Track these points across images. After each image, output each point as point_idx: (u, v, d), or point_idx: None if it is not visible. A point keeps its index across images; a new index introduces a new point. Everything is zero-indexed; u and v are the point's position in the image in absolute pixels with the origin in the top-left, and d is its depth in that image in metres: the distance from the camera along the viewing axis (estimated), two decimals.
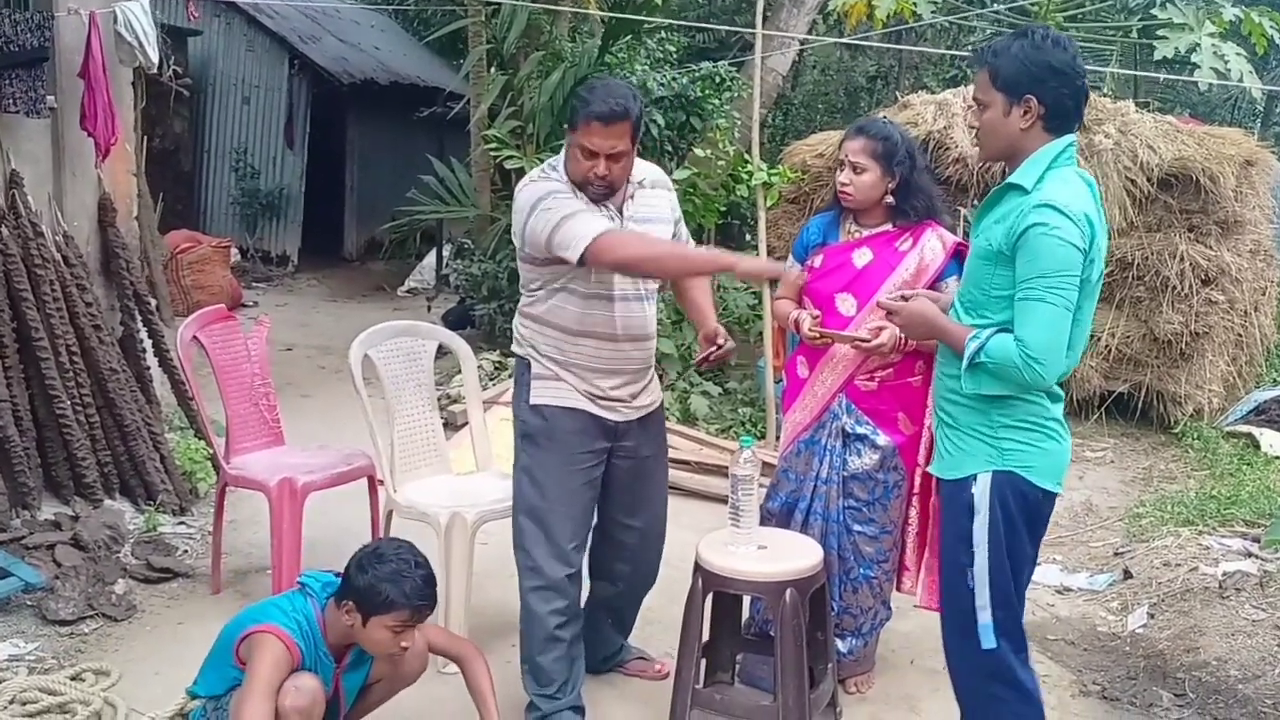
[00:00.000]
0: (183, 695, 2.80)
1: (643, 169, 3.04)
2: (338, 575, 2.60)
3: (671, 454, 5.40)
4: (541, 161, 6.37)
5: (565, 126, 2.95)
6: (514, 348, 3.10)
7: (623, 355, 2.98)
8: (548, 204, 2.82)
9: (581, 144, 2.81)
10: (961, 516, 2.45)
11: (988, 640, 2.43)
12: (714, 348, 3.00)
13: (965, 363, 2.38)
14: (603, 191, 2.88)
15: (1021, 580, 2.48)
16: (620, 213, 2.94)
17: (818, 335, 3.11)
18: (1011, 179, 2.39)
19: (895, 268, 3.12)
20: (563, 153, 2.95)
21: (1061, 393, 2.45)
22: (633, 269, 2.87)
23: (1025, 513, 2.42)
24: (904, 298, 2.64)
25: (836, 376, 3.18)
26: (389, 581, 2.45)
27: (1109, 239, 6.28)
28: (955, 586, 2.50)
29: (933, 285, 3.05)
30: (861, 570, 3.22)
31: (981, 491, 2.40)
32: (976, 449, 2.43)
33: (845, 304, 3.14)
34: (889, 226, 3.17)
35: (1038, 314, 2.27)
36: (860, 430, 3.17)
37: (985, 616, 2.42)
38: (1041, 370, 2.28)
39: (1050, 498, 2.45)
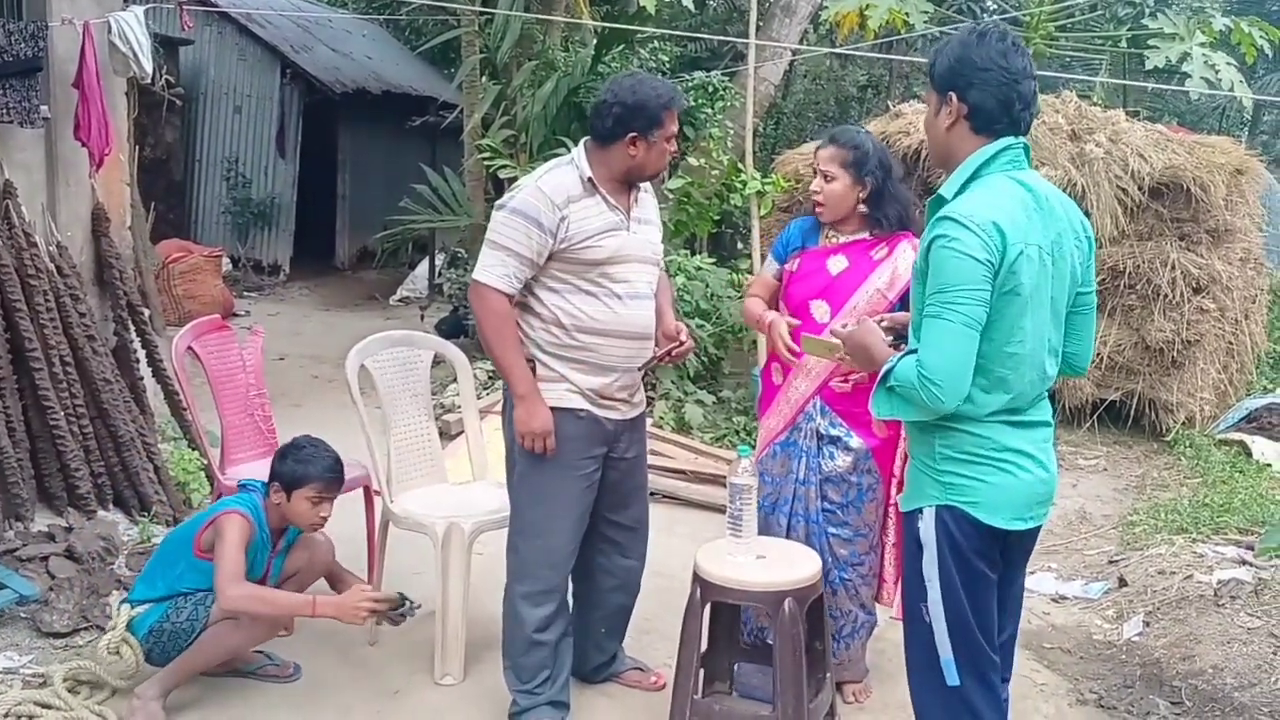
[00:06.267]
0: (123, 607, 3.14)
1: None
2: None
3: (667, 463, 5.47)
4: (534, 170, 6.39)
5: (630, 134, 2.89)
6: None
7: (628, 353, 3.00)
8: (508, 218, 2.88)
9: (671, 133, 2.97)
10: (913, 550, 2.28)
11: (951, 677, 2.24)
12: (674, 344, 3.03)
13: (876, 385, 2.23)
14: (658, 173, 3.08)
15: (986, 611, 2.28)
16: (628, 214, 3.00)
17: (794, 354, 3.10)
18: (940, 190, 2.25)
19: (869, 275, 3.14)
20: (578, 152, 2.99)
21: (1032, 419, 2.25)
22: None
23: (975, 548, 2.21)
24: (858, 324, 2.49)
25: (810, 383, 3.19)
26: (303, 463, 3.13)
27: (1098, 247, 6.40)
28: (915, 619, 2.32)
29: (904, 296, 3.05)
30: (837, 573, 3.22)
31: (927, 526, 2.23)
32: (922, 481, 2.26)
33: (819, 310, 3.15)
34: (865, 235, 3.19)
35: (933, 331, 2.10)
36: (834, 432, 3.17)
37: (946, 653, 2.24)
38: (937, 391, 2.07)
39: (1001, 533, 2.22)
